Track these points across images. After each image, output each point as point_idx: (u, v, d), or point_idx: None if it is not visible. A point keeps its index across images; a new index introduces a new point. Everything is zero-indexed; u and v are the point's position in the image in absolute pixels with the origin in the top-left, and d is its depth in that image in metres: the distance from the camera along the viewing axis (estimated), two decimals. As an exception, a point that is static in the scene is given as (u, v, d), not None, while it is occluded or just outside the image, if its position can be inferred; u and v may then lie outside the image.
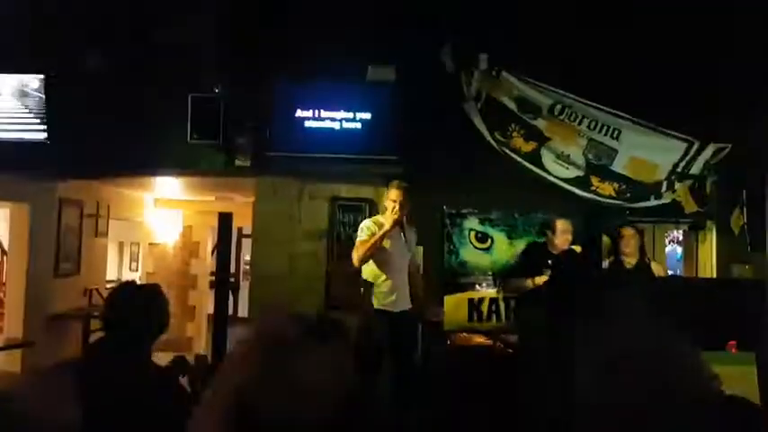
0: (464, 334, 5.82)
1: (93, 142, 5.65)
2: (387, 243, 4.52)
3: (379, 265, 4.57)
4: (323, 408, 1.06)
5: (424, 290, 4.87)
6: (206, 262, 9.74)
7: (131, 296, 2.50)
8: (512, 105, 5.33)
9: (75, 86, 5.72)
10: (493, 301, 5.86)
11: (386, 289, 4.56)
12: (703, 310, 4.30)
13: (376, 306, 4.56)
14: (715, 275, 5.83)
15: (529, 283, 4.91)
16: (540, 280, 4.81)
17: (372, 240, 4.46)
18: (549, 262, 4.94)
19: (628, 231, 5.04)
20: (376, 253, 4.49)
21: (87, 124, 5.65)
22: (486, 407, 4.32)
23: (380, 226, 4.53)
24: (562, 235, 5.04)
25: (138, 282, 2.63)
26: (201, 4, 5.69)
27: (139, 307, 2.42)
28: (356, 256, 4.51)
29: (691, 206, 5.45)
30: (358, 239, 4.57)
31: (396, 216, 4.45)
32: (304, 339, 1.12)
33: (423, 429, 4.54)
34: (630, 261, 5.06)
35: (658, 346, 1.44)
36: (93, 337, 6.99)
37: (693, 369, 1.42)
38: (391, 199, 4.53)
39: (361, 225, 4.65)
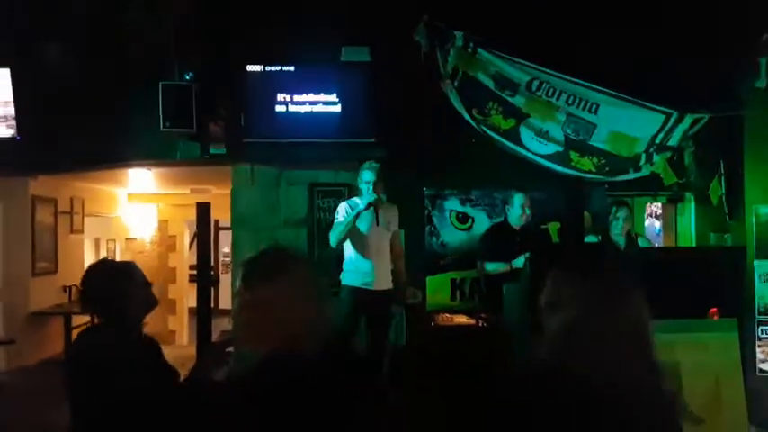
0: (446, 314, 5.80)
1: (64, 137, 5.52)
2: (362, 225, 4.61)
3: (356, 245, 4.65)
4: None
5: (403, 273, 4.91)
6: (184, 256, 9.63)
7: (106, 274, 2.39)
8: (489, 82, 5.26)
9: (42, 80, 5.57)
10: (475, 280, 5.84)
11: (366, 269, 4.63)
12: (685, 279, 4.34)
13: (356, 285, 4.63)
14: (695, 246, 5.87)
15: (507, 268, 4.90)
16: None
17: (346, 221, 4.56)
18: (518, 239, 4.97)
19: (623, 213, 5.04)
20: (352, 234, 4.59)
21: (57, 118, 5.51)
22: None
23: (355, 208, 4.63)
24: (521, 210, 5.06)
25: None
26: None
27: (117, 283, 2.32)
28: (332, 236, 4.64)
29: (670, 178, 5.44)
30: (335, 221, 4.68)
31: (370, 198, 4.54)
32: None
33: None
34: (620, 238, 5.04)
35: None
36: (75, 333, 6.91)
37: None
38: (365, 181, 4.61)
39: (338, 207, 4.75)
